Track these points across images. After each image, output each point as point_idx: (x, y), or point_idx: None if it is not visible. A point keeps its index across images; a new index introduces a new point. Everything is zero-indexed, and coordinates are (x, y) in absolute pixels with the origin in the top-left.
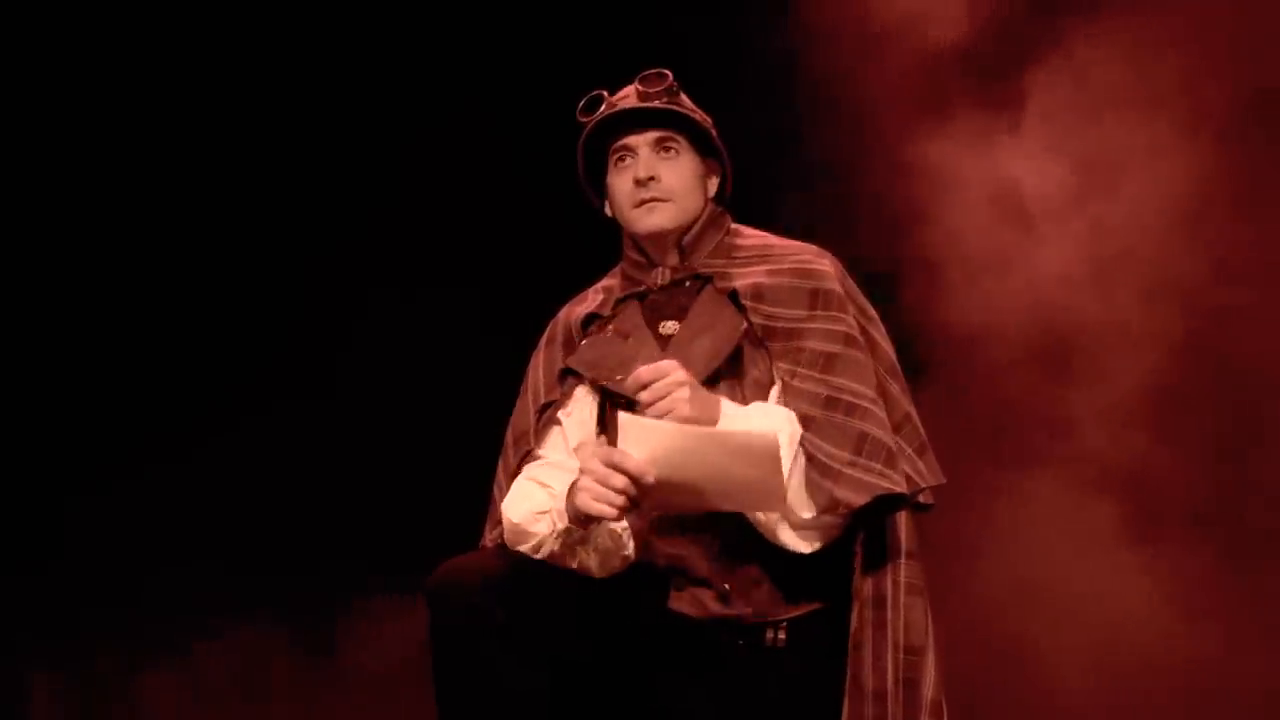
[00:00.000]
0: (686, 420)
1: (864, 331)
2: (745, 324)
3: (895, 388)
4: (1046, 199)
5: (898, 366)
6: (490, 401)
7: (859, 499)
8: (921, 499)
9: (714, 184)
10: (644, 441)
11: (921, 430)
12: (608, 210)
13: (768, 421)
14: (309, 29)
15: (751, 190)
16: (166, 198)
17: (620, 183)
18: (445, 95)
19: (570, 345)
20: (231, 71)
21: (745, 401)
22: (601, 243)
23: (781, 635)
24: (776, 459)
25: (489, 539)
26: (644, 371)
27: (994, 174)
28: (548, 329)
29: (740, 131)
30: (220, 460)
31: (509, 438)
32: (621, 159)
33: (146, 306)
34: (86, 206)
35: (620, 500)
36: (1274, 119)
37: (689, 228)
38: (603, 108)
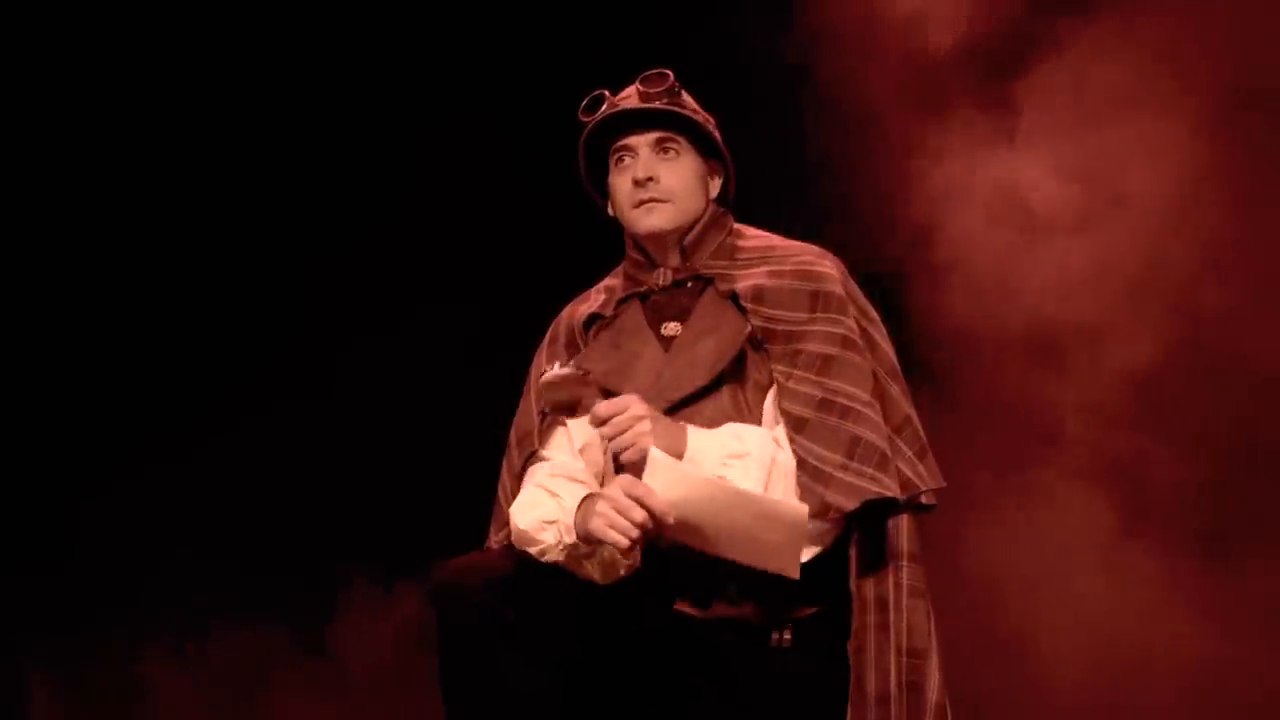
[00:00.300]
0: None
1: (864, 333)
2: (748, 327)
3: (895, 389)
4: (1047, 201)
5: (899, 368)
6: (491, 401)
7: (850, 503)
8: (924, 500)
9: (716, 185)
10: (672, 483)
11: (922, 433)
12: (610, 210)
13: (738, 445)
14: (311, 31)
15: (752, 191)
16: (168, 204)
17: (620, 183)
18: (447, 96)
19: (573, 345)
20: (232, 73)
21: (748, 404)
22: (604, 242)
23: (787, 636)
24: (803, 532)
25: (494, 540)
26: (602, 408)
27: (995, 175)
28: (550, 328)
29: (742, 132)
30: (220, 460)
31: (512, 438)
32: (621, 159)
33: (146, 308)
34: (88, 214)
35: (635, 534)
36: (1271, 119)
37: (690, 228)
38: (604, 107)
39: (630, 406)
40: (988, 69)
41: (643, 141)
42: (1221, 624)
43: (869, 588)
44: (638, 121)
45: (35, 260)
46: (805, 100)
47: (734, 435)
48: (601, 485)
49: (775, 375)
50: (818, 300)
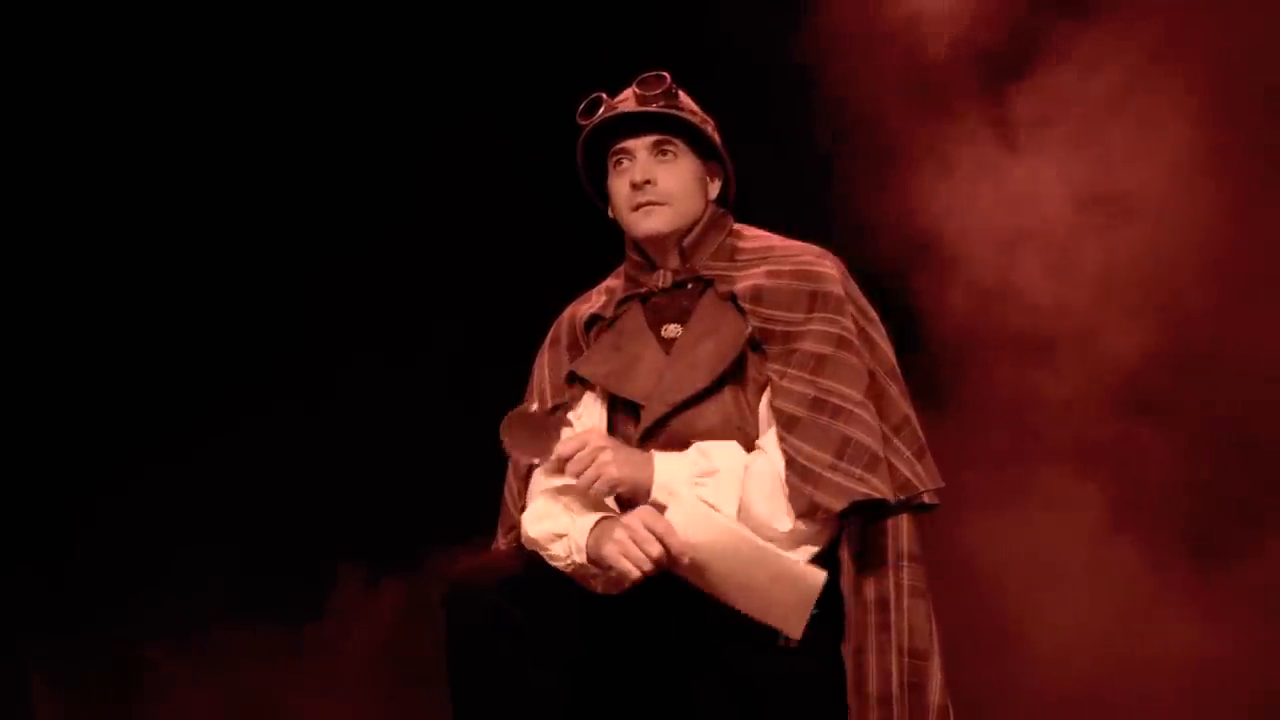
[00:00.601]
0: (617, 480)
1: (863, 333)
2: (748, 328)
3: (894, 390)
4: (1046, 201)
5: (898, 369)
6: (491, 400)
7: (837, 504)
8: (926, 499)
9: (715, 187)
10: (695, 524)
11: (920, 433)
12: (610, 213)
13: (706, 463)
14: (314, 33)
15: (755, 192)
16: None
17: (618, 186)
18: (448, 97)
19: (575, 346)
20: (234, 76)
21: (750, 405)
22: (606, 244)
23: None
24: (814, 596)
25: (503, 542)
26: (563, 448)
27: (994, 176)
28: (551, 329)
29: (745, 134)
30: (220, 459)
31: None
32: (619, 162)
33: (147, 312)
34: (91, 221)
35: (648, 567)
36: (1271, 119)
37: (688, 230)
38: (601, 110)
39: (589, 441)
40: (988, 70)
41: (640, 144)
42: (1214, 620)
43: (869, 588)
44: (635, 124)
45: (35, 263)
46: (809, 101)
47: (701, 453)
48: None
49: (769, 374)
50: (816, 300)
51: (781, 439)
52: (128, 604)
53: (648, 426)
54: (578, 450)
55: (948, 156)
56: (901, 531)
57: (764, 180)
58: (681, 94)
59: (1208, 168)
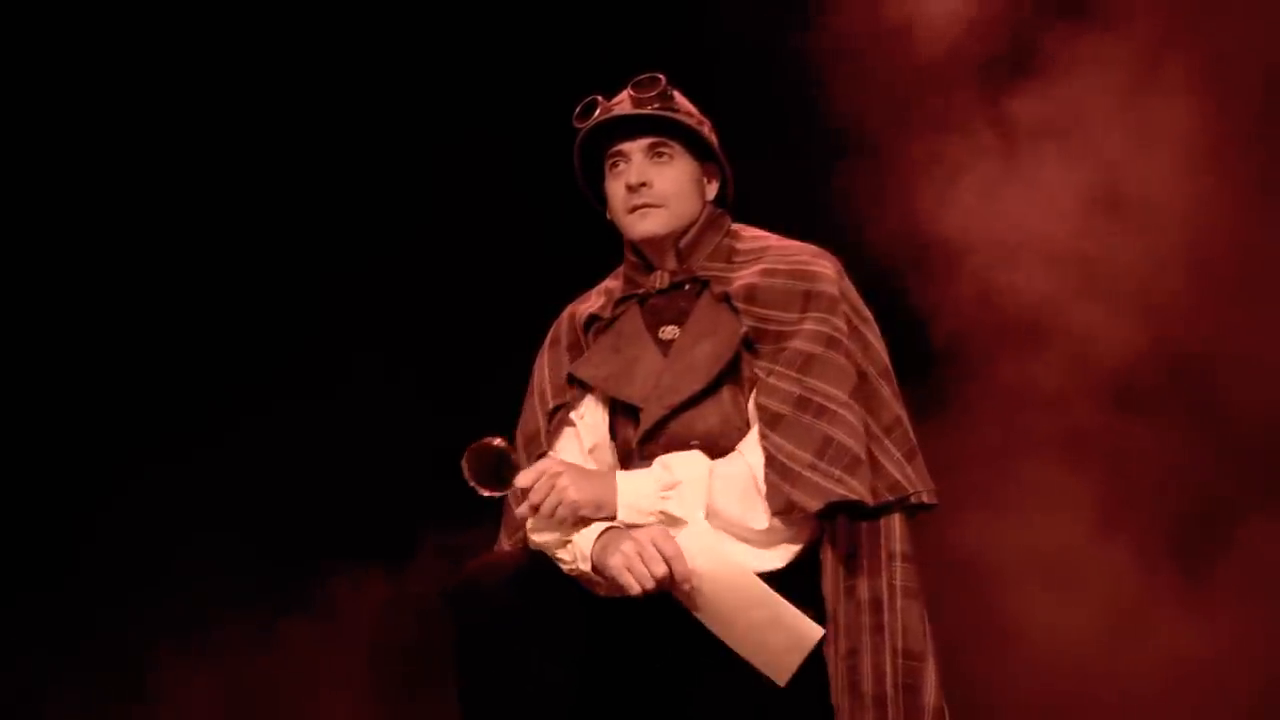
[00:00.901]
0: (577, 504)
1: (856, 332)
2: (743, 328)
3: (886, 390)
4: (1045, 202)
5: (891, 369)
6: (490, 400)
7: (814, 504)
8: (918, 499)
9: (713, 188)
10: (704, 553)
11: (912, 434)
12: (608, 214)
13: (668, 475)
14: (316, 35)
15: (756, 192)
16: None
17: (615, 188)
18: (452, 98)
19: (575, 346)
20: (239, 80)
21: (748, 405)
22: (605, 245)
23: None
24: (807, 649)
25: (508, 542)
26: (522, 479)
27: (995, 176)
28: (551, 329)
29: (747, 136)
30: (222, 460)
31: (519, 440)
32: (615, 164)
33: (146, 317)
34: (94, 225)
35: (650, 585)
36: (1270, 117)
37: (684, 232)
38: (597, 113)
39: (547, 469)
40: (988, 71)
41: (635, 147)
42: (1204, 617)
43: (862, 589)
44: (630, 126)
45: (36, 268)
46: (810, 102)
47: (663, 466)
48: None
49: (756, 371)
50: (810, 300)
51: (764, 436)
52: (129, 603)
53: (647, 429)
54: (537, 480)
55: (947, 158)
56: (893, 532)
57: (765, 181)
58: (677, 95)
59: (1203, 170)
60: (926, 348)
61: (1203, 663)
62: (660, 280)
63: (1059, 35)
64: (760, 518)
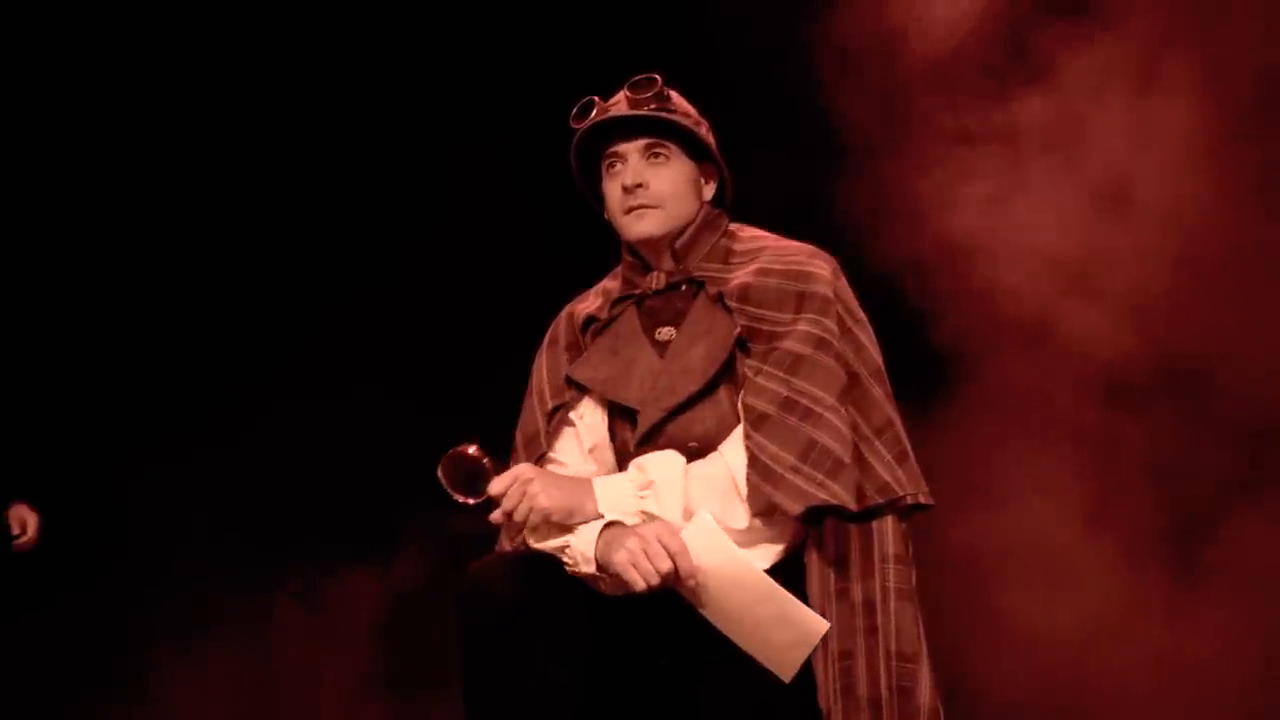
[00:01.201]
0: (547, 510)
1: (849, 334)
2: (737, 328)
3: (878, 392)
4: (1044, 202)
5: (884, 371)
6: (489, 398)
7: (795, 507)
8: (909, 501)
9: (710, 188)
10: (711, 550)
11: (903, 437)
12: (606, 215)
13: (643, 475)
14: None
15: (754, 193)
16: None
17: (611, 189)
18: (451, 98)
19: (573, 346)
20: (249, 86)
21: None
22: (607, 243)
23: None
24: (813, 644)
25: (508, 545)
26: (494, 486)
27: (995, 176)
28: (550, 329)
29: (749, 137)
30: (223, 461)
31: (518, 440)
32: (612, 165)
33: (146, 324)
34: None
35: (655, 581)
36: (1264, 124)
37: (681, 232)
38: (593, 113)
39: (520, 474)
40: (989, 72)
41: (632, 148)
42: (1195, 614)
43: (855, 591)
44: (627, 127)
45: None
46: (811, 102)
47: (638, 468)
48: None
49: (745, 370)
50: (804, 300)
51: (748, 436)
52: (131, 601)
53: (644, 432)
54: (509, 487)
55: (947, 159)
56: (886, 534)
57: (765, 181)
58: (674, 95)
59: (1200, 170)
60: (926, 348)
61: (1194, 659)
62: (657, 281)
63: (1058, 36)
64: (740, 517)
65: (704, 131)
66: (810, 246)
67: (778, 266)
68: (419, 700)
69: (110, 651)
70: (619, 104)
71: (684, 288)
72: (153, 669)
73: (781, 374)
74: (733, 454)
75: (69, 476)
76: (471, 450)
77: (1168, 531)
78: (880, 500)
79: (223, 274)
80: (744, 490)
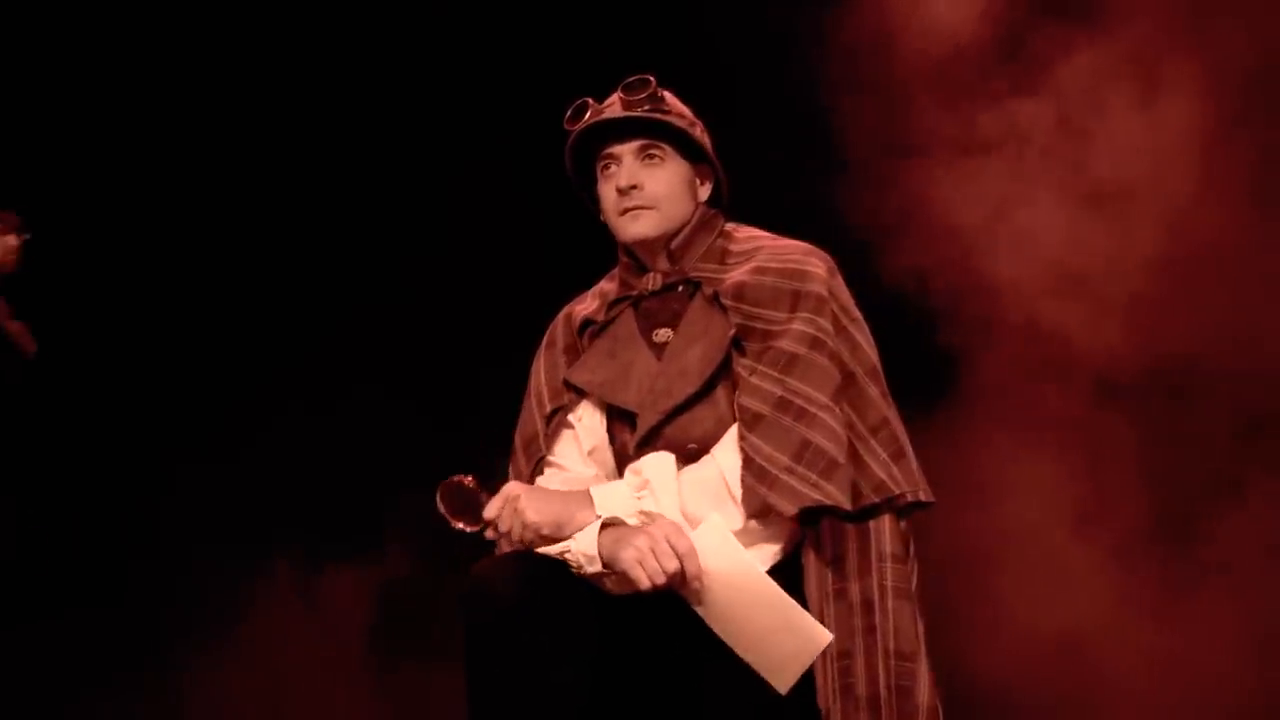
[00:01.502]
0: (535, 524)
1: (844, 333)
2: (732, 327)
3: (874, 390)
4: (1043, 203)
5: (880, 370)
6: (489, 398)
7: (789, 508)
8: (905, 499)
9: (706, 189)
10: (718, 553)
11: (900, 435)
12: (601, 216)
13: (637, 478)
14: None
15: (756, 193)
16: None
17: (607, 191)
18: (451, 99)
19: (571, 348)
20: (252, 95)
21: None
22: (604, 244)
23: None
24: (813, 655)
25: (508, 547)
26: (488, 510)
27: (994, 177)
28: (548, 331)
29: (750, 137)
30: (223, 461)
31: (517, 442)
32: (607, 167)
33: (142, 323)
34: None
35: (660, 581)
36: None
37: (676, 233)
38: (587, 115)
39: (509, 493)
40: (989, 72)
41: (626, 150)
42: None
43: (853, 590)
44: (621, 129)
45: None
46: (812, 102)
47: (633, 471)
48: None
49: (739, 369)
50: (799, 299)
51: (742, 437)
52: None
53: (643, 435)
54: (501, 509)
55: (946, 159)
56: (883, 533)
57: (766, 182)
58: (669, 96)
59: (1196, 170)
60: (925, 348)
61: (1186, 656)
62: (653, 282)
63: (1061, 36)
64: (735, 519)
65: (698, 132)
66: (806, 245)
67: (773, 265)
68: (419, 702)
69: (110, 651)
70: (613, 105)
71: (680, 288)
72: (152, 669)
73: (776, 374)
74: (725, 456)
75: (64, 480)
76: (468, 480)
77: (1159, 530)
78: (876, 499)
79: (223, 275)
80: (737, 492)
